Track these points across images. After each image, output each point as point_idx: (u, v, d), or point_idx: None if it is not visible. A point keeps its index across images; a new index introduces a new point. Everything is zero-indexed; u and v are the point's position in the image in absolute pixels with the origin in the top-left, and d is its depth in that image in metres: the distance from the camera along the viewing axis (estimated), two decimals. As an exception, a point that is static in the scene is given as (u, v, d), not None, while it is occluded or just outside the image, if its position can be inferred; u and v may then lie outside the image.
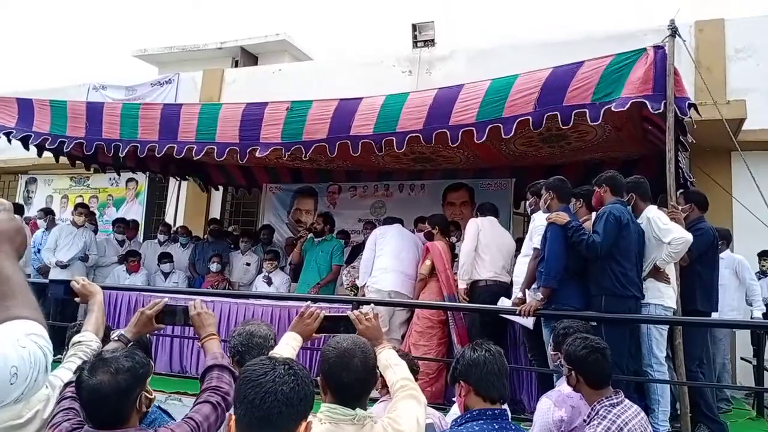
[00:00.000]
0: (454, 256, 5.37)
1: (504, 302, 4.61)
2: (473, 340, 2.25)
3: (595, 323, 3.61)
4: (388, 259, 5.33)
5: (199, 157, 5.54)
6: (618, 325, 3.73)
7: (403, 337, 5.14)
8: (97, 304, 2.34)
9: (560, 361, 2.89)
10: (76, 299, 2.38)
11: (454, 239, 5.62)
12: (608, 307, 3.76)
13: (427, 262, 5.09)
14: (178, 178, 9.05)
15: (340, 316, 2.22)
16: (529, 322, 4.26)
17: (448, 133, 4.57)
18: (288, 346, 2.13)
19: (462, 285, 4.89)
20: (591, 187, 4.17)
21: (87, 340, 2.11)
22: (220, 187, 9.52)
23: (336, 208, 8.21)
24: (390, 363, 2.09)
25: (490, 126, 4.41)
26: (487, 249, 4.97)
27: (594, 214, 4.08)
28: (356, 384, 1.80)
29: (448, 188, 7.68)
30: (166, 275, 7.33)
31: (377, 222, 8.10)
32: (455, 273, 5.19)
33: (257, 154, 5.22)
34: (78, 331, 2.18)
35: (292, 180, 8.60)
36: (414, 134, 4.69)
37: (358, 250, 7.10)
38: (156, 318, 2.23)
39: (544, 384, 4.19)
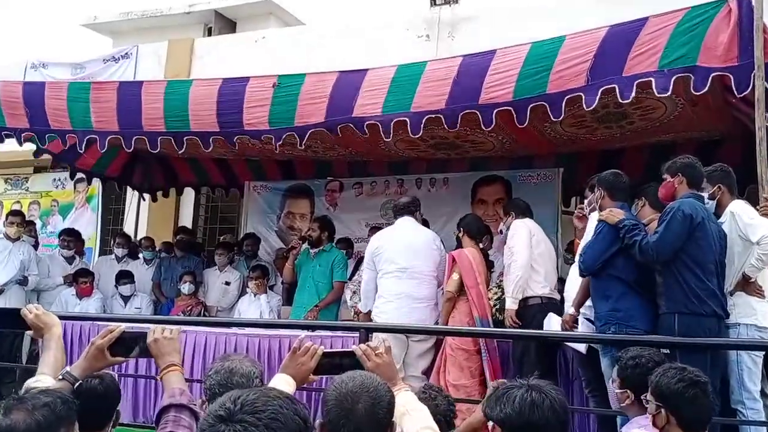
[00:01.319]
0: (489, 266, 5.36)
1: (553, 321, 4.62)
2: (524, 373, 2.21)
3: (667, 350, 3.59)
4: (389, 281, 5.24)
5: (182, 152, 5.57)
6: (697, 352, 3.71)
7: (424, 373, 5.14)
8: (54, 339, 2.36)
9: (628, 401, 2.89)
10: (29, 333, 2.42)
11: (481, 245, 5.55)
12: (682, 328, 3.75)
13: (455, 276, 5.08)
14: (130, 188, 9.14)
15: (344, 352, 2.23)
16: (581, 346, 4.27)
17: (479, 115, 4.56)
18: None
19: (513, 305, 4.90)
20: (657, 182, 4.17)
21: (43, 386, 2.12)
22: (187, 191, 9.58)
23: (337, 211, 8.24)
24: (408, 409, 2.07)
25: (531, 105, 4.41)
26: (540, 259, 5.02)
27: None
28: None
29: (480, 182, 7.70)
30: (126, 299, 7.40)
31: (389, 225, 8.09)
32: (495, 288, 5.16)
33: (250, 137, 5.28)
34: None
35: (281, 176, 8.67)
36: (434, 115, 4.69)
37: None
38: (111, 349, 2.23)
39: (605, 429, 4.16)
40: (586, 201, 4.67)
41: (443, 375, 5.00)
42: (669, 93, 4.11)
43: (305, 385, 2.29)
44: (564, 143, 6.44)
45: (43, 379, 2.18)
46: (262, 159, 8.31)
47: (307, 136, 5.10)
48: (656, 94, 4.08)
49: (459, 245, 5.43)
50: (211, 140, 5.44)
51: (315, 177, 8.50)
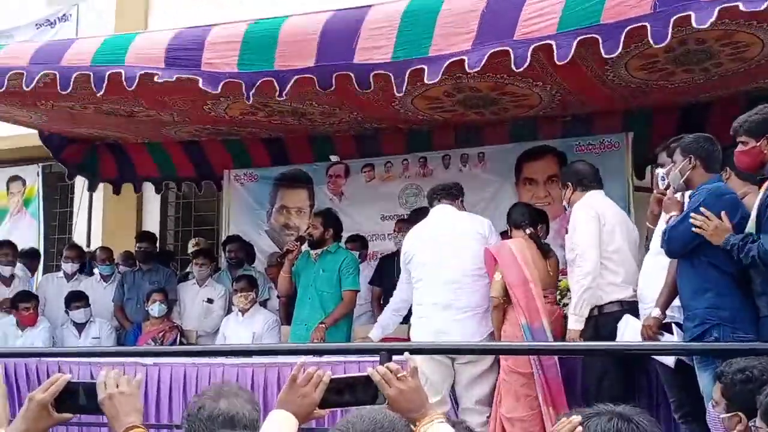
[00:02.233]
0: (546, 253, 5.32)
1: (630, 325, 4.57)
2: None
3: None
4: (422, 289, 5.24)
5: (102, 93, 5.39)
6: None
7: (481, 403, 5.11)
8: None
9: (740, 426, 2.83)
10: None
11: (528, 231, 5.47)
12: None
13: (497, 277, 5.05)
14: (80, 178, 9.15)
15: (357, 378, 2.23)
16: (669, 359, 4.25)
17: (511, 53, 4.43)
18: None
19: (577, 324, 4.78)
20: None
21: None
22: (147, 186, 9.58)
23: (344, 201, 8.24)
24: None
25: (579, 38, 4.28)
26: (617, 256, 4.89)
27: (764, 186, 3.97)
28: None
29: (525, 156, 7.64)
30: (80, 327, 7.40)
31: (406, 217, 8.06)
32: (559, 289, 5.19)
33: (201, 85, 5.06)
34: None
35: (269, 160, 8.66)
36: (458, 58, 4.57)
37: (388, 263, 7.09)
38: (56, 404, 2.20)
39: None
40: (661, 170, 4.60)
41: (497, 409, 4.99)
42: (764, 7, 3.96)
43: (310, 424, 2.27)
44: (632, 94, 6.38)
45: None
46: (245, 138, 8.32)
47: (290, 84, 4.93)
48: (743, 9, 3.96)
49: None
50: (138, 76, 5.18)
51: (314, 160, 8.49)
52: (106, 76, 5.30)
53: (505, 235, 5.64)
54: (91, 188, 9.34)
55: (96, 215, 9.75)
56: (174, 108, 6.80)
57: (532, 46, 4.42)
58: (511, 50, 4.46)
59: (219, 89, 5.11)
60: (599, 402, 2.05)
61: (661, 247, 4.28)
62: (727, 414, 3.05)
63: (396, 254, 7.04)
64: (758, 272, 3.87)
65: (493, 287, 5.08)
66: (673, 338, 4.33)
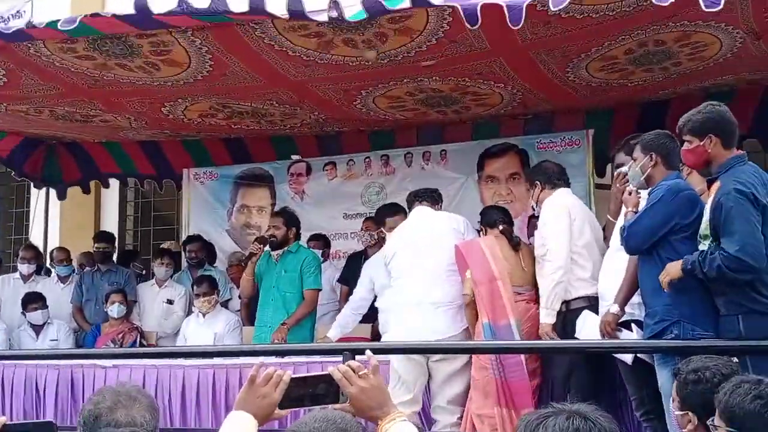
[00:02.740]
0: (516, 246, 5.34)
1: (588, 322, 4.60)
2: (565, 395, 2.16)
3: (735, 359, 3.58)
4: (402, 285, 5.26)
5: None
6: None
7: (453, 403, 5.10)
8: None
9: (690, 425, 2.86)
10: None
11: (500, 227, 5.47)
12: (750, 331, 3.75)
13: (468, 275, 5.06)
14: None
15: (318, 377, 2.20)
16: (627, 356, 4.27)
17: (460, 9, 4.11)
18: None
19: (549, 318, 4.83)
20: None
21: None
22: (112, 183, 9.52)
23: (306, 200, 8.23)
24: None
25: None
26: (586, 251, 4.94)
27: (713, 187, 4.00)
28: None
29: (487, 154, 7.67)
30: (37, 329, 7.32)
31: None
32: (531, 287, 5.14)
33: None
34: None
35: (230, 159, 8.63)
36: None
37: (356, 261, 7.09)
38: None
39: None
40: (624, 168, 4.63)
41: (469, 406, 4.99)
42: (720, 7, 3.95)
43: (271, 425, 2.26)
44: (592, 93, 6.44)
45: None
46: (204, 139, 8.29)
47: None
48: (704, 8, 3.98)
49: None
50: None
51: (275, 158, 8.48)
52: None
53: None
54: (61, 197, 9.26)
55: (53, 215, 9.61)
56: (131, 110, 6.74)
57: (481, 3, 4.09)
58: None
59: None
60: (568, 399, 2.06)
61: (621, 244, 4.31)
62: (680, 411, 3.09)
63: (363, 253, 7.08)
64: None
65: (465, 285, 5.10)
66: (631, 335, 4.36)
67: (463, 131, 7.74)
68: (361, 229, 7.27)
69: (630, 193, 4.43)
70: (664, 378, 3.98)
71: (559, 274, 4.83)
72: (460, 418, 5.05)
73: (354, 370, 2.16)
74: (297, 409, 2.26)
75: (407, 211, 5.83)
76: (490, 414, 4.83)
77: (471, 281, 5.02)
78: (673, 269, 3.93)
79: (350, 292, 6.82)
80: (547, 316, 4.84)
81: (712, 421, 2.71)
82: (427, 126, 7.66)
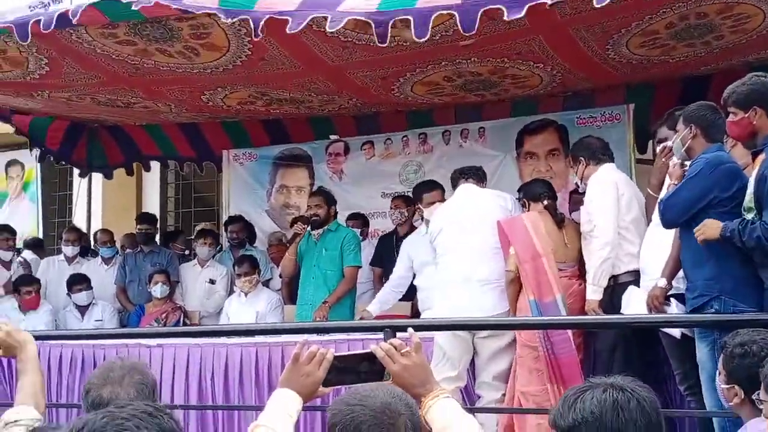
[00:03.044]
0: (560, 223, 5.30)
1: (633, 296, 4.57)
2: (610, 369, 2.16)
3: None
4: (448, 263, 5.24)
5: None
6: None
7: (498, 379, 5.11)
8: (30, 360, 2.49)
9: (737, 399, 2.85)
10: None
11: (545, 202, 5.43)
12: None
13: (512, 251, 5.04)
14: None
15: (361, 355, 2.23)
16: (675, 330, 4.26)
17: (504, 11, 4.17)
18: (280, 415, 2.10)
19: (596, 295, 4.83)
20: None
21: (25, 418, 2.16)
22: (153, 165, 9.62)
23: (344, 180, 8.26)
24: (449, 422, 2.08)
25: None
26: (634, 227, 4.92)
27: (758, 159, 3.97)
28: None
29: (526, 130, 7.64)
30: (82, 310, 7.45)
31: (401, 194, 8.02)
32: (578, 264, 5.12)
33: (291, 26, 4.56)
34: None
35: (269, 139, 8.66)
36: (445, 11, 4.30)
37: (387, 242, 7.12)
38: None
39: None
40: (669, 142, 4.58)
41: (513, 384, 4.98)
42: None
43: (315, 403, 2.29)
44: (633, 70, 6.38)
45: (24, 411, 2.23)
46: (243, 120, 8.33)
47: (263, 22, 4.52)
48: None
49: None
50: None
51: (313, 138, 8.50)
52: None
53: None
54: (108, 176, 9.39)
55: (95, 198, 9.77)
56: (171, 98, 6.83)
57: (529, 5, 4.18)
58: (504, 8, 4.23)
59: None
60: (613, 373, 2.07)
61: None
62: (726, 385, 3.08)
63: (394, 233, 7.10)
64: None
65: (509, 261, 5.07)
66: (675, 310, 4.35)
67: (501, 109, 7.69)
68: (391, 207, 7.26)
69: (675, 166, 4.39)
70: (702, 352, 3.98)
71: (607, 250, 4.82)
72: (504, 394, 5.07)
73: (396, 348, 2.18)
74: (340, 387, 2.28)
75: (451, 187, 5.80)
76: (534, 391, 4.84)
77: (515, 258, 5.01)
78: (710, 228, 3.88)
79: (383, 274, 6.93)
80: (594, 293, 4.84)
81: (758, 395, 2.70)
82: (465, 105, 7.63)
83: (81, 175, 9.37)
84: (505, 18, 4.23)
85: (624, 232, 4.90)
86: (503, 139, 7.66)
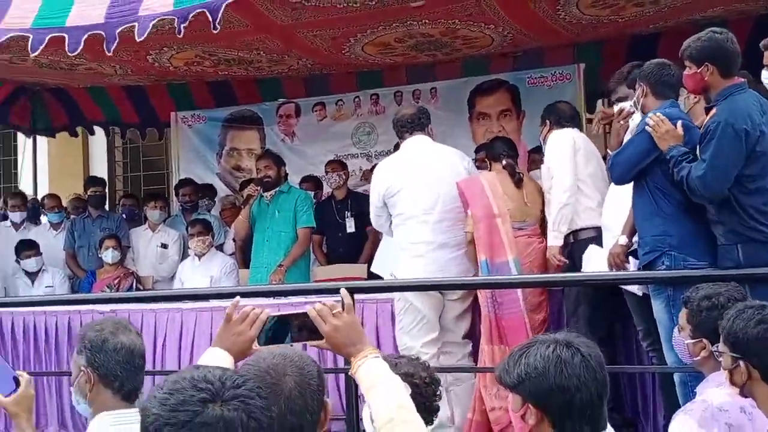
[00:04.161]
0: (519, 182, 5.29)
1: (593, 255, 4.63)
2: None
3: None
4: (414, 228, 5.11)
5: (37, 53, 5.11)
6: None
7: (467, 337, 5.15)
8: None
9: (704, 353, 2.89)
10: None
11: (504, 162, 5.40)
12: (749, 259, 3.77)
13: (470, 212, 5.03)
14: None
15: (296, 315, 2.24)
16: (636, 287, 4.29)
17: None
18: None
19: (557, 240, 4.88)
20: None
21: None
22: (97, 131, 9.47)
23: (296, 141, 8.23)
24: (375, 381, 2.11)
25: None
26: (591, 180, 4.97)
27: (709, 114, 4.02)
28: (286, 425, 1.81)
29: (478, 90, 7.66)
30: (32, 276, 7.33)
31: (366, 156, 8.02)
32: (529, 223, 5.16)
33: (137, 36, 4.86)
34: None
35: (215, 102, 8.58)
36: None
37: (327, 206, 7.08)
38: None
39: (666, 393, 4.25)
40: (627, 103, 4.61)
41: (484, 347, 4.93)
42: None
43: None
44: (583, 30, 6.43)
45: None
46: (190, 82, 8.22)
47: (222, 9, 4.61)
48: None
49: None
50: (82, 40, 4.99)
51: (263, 100, 8.44)
52: (46, 39, 5.09)
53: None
54: (51, 135, 9.23)
55: (41, 162, 9.57)
56: (116, 59, 6.62)
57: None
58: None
59: (147, 29, 4.83)
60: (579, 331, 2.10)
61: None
62: (692, 340, 3.10)
63: (331, 198, 7.12)
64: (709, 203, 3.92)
65: (467, 222, 5.05)
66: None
67: (452, 69, 7.71)
68: (327, 171, 7.23)
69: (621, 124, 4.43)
70: (658, 308, 4.02)
71: (566, 196, 4.86)
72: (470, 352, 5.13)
73: (329, 308, 2.19)
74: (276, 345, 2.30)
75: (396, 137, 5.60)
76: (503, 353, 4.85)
77: (471, 218, 5.01)
78: (666, 138, 3.94)
79: (322, 240, 7.01)
80: (555, 239, 4.88)
81: (716, 347, 2.75)
82: (416, 66, 7.62)
83: (26, 135, 9.16)
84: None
85: (582, 186, 4.94)
86: (455, 100, 7.69)
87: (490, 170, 5.40)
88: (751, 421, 2.65)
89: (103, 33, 4.97)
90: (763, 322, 2.55)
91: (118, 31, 4.95)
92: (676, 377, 3.92)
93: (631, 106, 4.46)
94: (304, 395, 1.86)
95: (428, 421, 2.59)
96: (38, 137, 9.32)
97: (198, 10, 4.74)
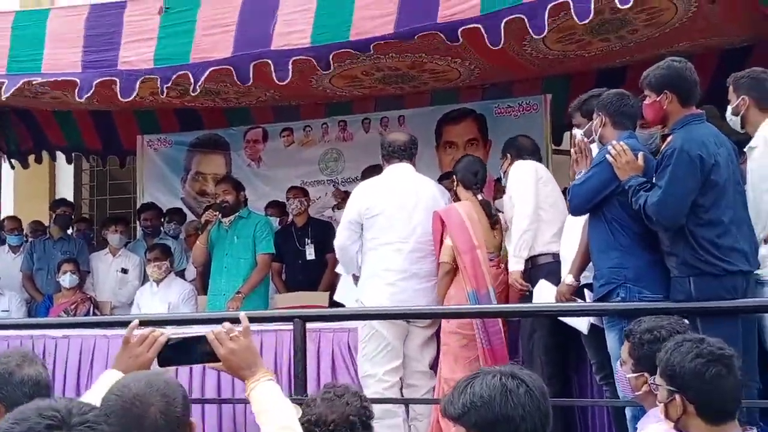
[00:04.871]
0: (493, 222, 5.30)
1: (544, 291, 4.63)
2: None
3: (686, 321, 3.60)
4: (388, 255, 5.07)
5: (7, 95, 5.43)
6: (723, 320, 3.73)
7: (432, 367, 5.10)
8: None
9: (646, 387, 2.88)
10: None
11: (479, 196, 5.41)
12: (701, 292, 3.79)
13: (448, 242, 4.99)
14: None
15: (195, 338, 2.35)
16: (582, 324, 4.29)
17: (441, 35, 4.59)
18: (102, 395, 2.12)
19: (518, 265, 4.88)
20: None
21: None
22: (59, 156, 9.40)
23: (262, 167, 8.22)
24: (265, 404, 2.24)
25: (506, 19, 4.41)
26: (552, 209, 4.98)
27: (666, 142, 4.05)
28: None
29: (445, 119, 7.71)
30: (-12, 299, 7.22)
31: (333, 183, 8.00)
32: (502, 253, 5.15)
33: (120, 93, 5.20)
34: None
35: (180, 127, 8.56)
36: (381, 42, 4.70)
37: (287, 233, 7.05)
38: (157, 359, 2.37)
39: (619, 426, 4.22)
40: (577, 131, 4.63)
41: (440, 374, 4.95)
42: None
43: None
44: (550, 64, 6.48)
45: None
46: (156, 109, 8.18)
47: (205, 76, 5.04)
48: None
49: (455, 199, 5.36)
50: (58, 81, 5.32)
51: (229, 125, 8.44)
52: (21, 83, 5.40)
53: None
54: (25, 165, 9.08)
55: (6, 184, 9.50)
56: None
57: (461, 29, 4.53)
58: (440, 34, 4.59)
59: (136, 88, 5.18)
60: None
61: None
62: (633, 374, 3.09)
63: (291, 225, 7.10)
64: (665, 233, 3.91)
65: (444, 252, 5.00)
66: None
67: (421, 99, 7.76)
68: (288, 198, 7.19)
69: (579, 153, 4.43)
70: (611, 341, 4.01)
71: (526, 222, 4.86)
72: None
73: (227, 332, 2.31)
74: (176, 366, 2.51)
75: (381, 159, 5.55)
76: (459, 378, 4.80)
77: (453, 249, 4.96)
78: (626, 168, 3.95)
79: (281, 268, 7.00)
80: (516, 264, 4.87)
81: (653, 379, 2.72)
82: (385, 97, 7.66)
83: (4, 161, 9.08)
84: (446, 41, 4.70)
85: (542, 213, 4.94)
86: (423, 128, 7.66)
87: (456, 193, 5.37)
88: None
89: (77, 81, 5.24)
90: (700, 356, 2.54)
91: (96, 82, 5.25)
92: (628, 412, 3.88)
93: (581, 135, 4.47)
94: (169, 422, 1.91)
95: None
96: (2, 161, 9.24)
97: (180, 72, 5.11)
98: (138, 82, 5.15)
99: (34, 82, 5.45)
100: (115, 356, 2.36)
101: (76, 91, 5.25)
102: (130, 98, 5.19)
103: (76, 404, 1.51)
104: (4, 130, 8.64)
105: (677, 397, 2.57)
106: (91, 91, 5.28)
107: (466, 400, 1.96)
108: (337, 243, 5.29)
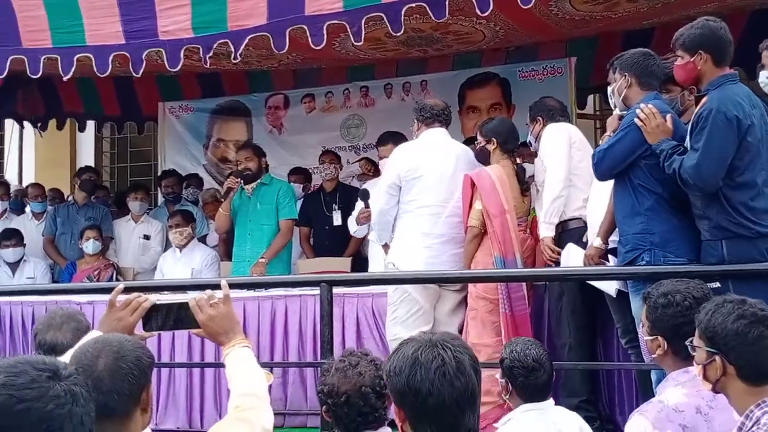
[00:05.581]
0: (524, 188, 5.24)
1: (572, 254, 4.61)
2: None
3: (717, 284, 3.60)
4: (424, 219, 5.07)
5: (68, 76, 5.41)
6: (754, 283, 3.68)
7: (459, 332, 5.05)
8: None
9: (660, 350, 2.86)
10: None
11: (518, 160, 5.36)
12: (733, 256, 3.76)
13: (477, 206, 4.95)
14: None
15: (178, 304, 2.44)
16: (610, 287, 4.28)
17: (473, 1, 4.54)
18: None
19: (548, 231, 4.86)
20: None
21: None
22: (84, 123, 9.40)
23: (284, 133, 8.19)
24: (238, 368, 2.34)
25: None
26: (584, 174, 4.88)
27: (701, 103, 3.98)
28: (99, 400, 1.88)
29: (468, 83, 7.64)
30: (13, 267, 7.28)
31: (355, 149, 7.97)
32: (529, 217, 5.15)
33: (167, 63, 5.18)
34: None
35: (202, 93, 8.53)
36: (415, 4, 4.63)
37: (315, 199, 7.03)
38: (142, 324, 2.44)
39: (644, 390, 4.23)
40: (609, 89, 4.57)
41: (466, 337, 4.92)
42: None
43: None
44: (576, 26, 6.41)
45: None
46: (180, 74, 8.13)
47: (244, 44, 5.04)
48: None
49: (484, 160, 5.23)
50: (111, 59, 5.26)
51: (250, 91, 8.41)
52: (75, 60, 5.35)
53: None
54: (44, 128, 9.10)
55: (27, 152, 9.55)
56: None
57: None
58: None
59: (182, 58, 5.20)
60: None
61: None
62: (649, 336, 3.07)
63: (320, 190, 7.07)
64: (697, 196, 3.87)
65: (473, 216, 4.97)
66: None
67: (443, 63, 7.71)
68: (321, 162, 7.19)
69: (611, 118, 4.39)
70: (636, 305, 3.99)
71: (559, 188, 4.82)
72: None
73: (207, 299, 2.40)
74: (161, 332, 2.59)
75: (416, 120, 5.45)
76: (486, 343, 4.82)
77: (483, 212, 4.93)
78: (656, 132, 3.91)
79: (310, 233, 6.95)
80: (547, 230, 4.85)
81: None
82: (407, 60, 7.60)
83: (34, 127, 9.08)
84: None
85: (575, 178, 4.90)
86: (445, 93, 7.57)
87: (490, 153, 5.25)
88: (708, 422, 2.62)
89: (128, 54, 5.27)
90: (743, 317, 2.51)
91: (144, 54, 5.27)
92: (653, 375, 3.88)
93: (610, 94, 4.42)
94: (114, 377, 1.96)
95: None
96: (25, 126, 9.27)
97: (221, 41, 5.16)
98: (182, 51, 5.17)
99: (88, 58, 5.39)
100: (99, 319, 2.43)
101: (130, 65, 5.28)
102: (177, 68, 5.21)
103: (55, 360, 1.59)
104: (25, 96, 8.62)
105: (717, 358, 2.52)
106: (143, 66, 5.30)
107: (387, 368, 2.02)
108: (376, 207, 5.27)
